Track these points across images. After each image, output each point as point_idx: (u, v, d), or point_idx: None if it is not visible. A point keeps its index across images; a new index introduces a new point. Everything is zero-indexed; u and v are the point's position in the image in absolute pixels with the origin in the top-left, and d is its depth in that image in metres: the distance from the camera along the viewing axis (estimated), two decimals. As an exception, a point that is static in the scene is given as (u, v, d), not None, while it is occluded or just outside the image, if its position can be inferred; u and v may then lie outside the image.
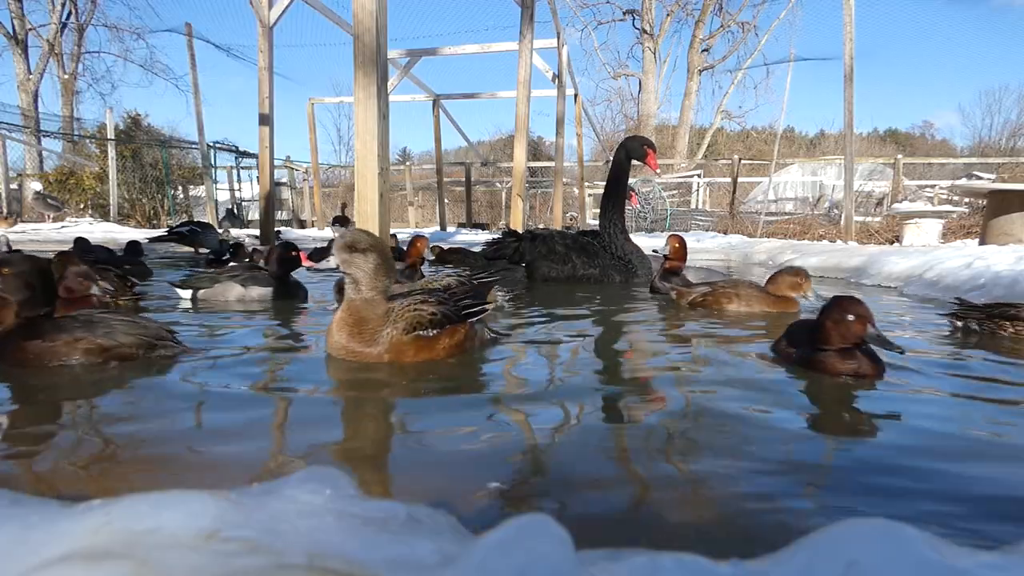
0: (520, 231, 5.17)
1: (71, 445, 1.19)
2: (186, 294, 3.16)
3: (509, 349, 2.16)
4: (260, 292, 3.18)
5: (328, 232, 13.49)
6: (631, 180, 17.27)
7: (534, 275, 4.74)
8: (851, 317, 1.72)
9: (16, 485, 0.99)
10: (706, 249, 9.07)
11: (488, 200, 24.39)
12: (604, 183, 5.34)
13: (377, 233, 4.73)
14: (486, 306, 2.10)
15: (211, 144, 15.52)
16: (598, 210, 19.88)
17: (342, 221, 12.39)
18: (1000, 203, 6.66)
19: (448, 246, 6.81)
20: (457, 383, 1.72)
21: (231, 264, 4.27)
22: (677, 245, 3.81)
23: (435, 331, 1.91)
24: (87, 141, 16.19)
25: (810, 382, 1.73)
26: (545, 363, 1.99)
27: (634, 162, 4.96)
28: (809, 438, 1.32)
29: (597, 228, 5.05)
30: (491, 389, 1.66)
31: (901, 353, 1.76)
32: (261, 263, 4.16)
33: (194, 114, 12.86)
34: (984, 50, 57.64)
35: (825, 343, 1.77)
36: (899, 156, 15.15)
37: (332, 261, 1.97)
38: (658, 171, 5.04)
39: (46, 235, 9.65)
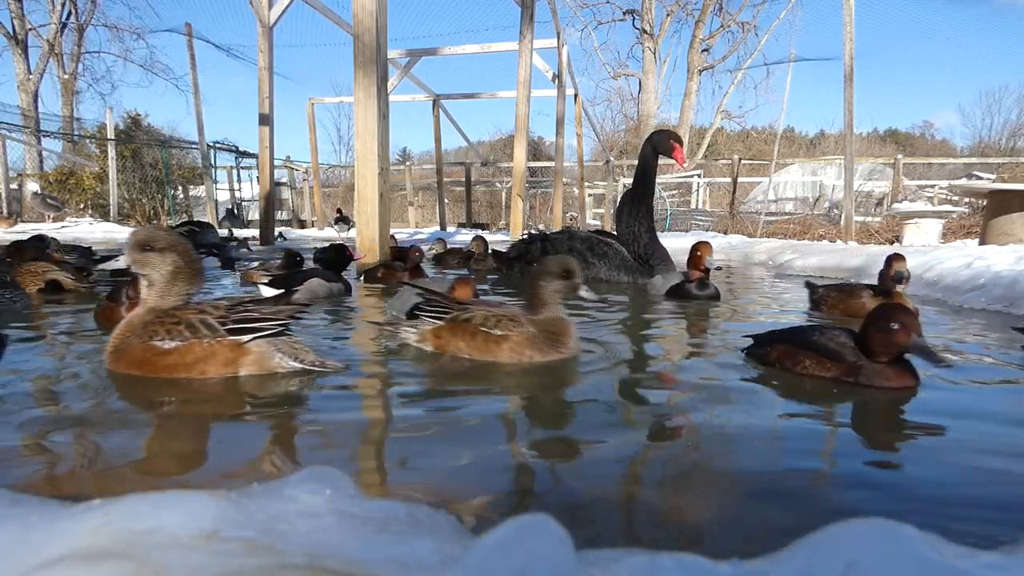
0: (544, 233, 5.29)
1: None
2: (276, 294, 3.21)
3: (314, 383, 1.63)
4: (338, 287, 3.52)
5: (329, 232, 13.50)
6: (630, 180, 17.30)
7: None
8: (895, 325, 1.60)
9: (16, 485, 0.99)
10: (706, 249, 9.05)
11: (488, 200, 24.42)
12: (603, 183, 5.33)
13: (377, 232, 4.75)
14: (266, 323, 1.66)
15: (211, 144, 15.53)
16: (599, 210, 19.98)
17: (344, 220, 12.39)
18: (1000, 203, 6.66)
19: (450, 246, 6.83)
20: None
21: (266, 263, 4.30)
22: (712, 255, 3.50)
23: (174, 343, 1.60)
24: (87, 141, 16.20)
25: (810, 385, 1.73)
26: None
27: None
28: (810, 439, 1.31)
29: (598, 227, 5.06)
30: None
31: (948, 367, 1.65)
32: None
33: (194, 114, 12.89)
34: (984, 50, 57.73)
35: (869, 354, 1.65)
36: (899, 156, 15.16)
37: (122, 261, 1.73)
38: (685, 165, 4.94)
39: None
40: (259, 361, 1.66)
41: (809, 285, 3.26)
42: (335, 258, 3.85)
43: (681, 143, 4.69)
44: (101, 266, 2.07)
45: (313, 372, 1.70)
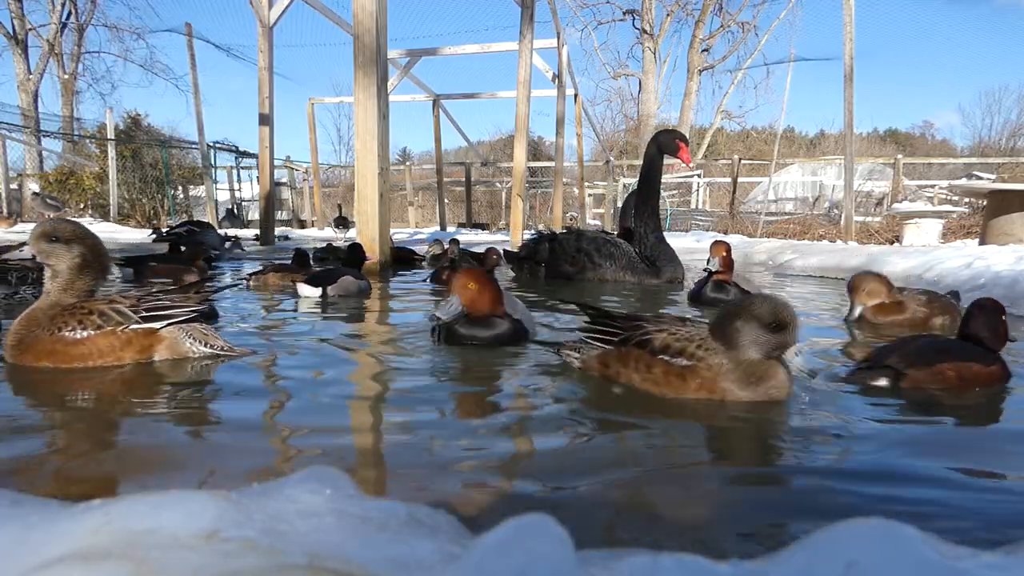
0: (555, 231, 5.33)
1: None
2: (315, 292, 3.35)
3: (230, 368, 1.75)
4: (365, 284, 3.68)
5: (328, 232, 13.50)
6: (632, 180, 17.26)
7: (549, 273, 4.88)
8: (1004, 317, 1.70)
9: (16, 485, 0.99)
10: (706, 249, 9.06)
11: (488, 200, 24.41)
12: (603, 183, 5.34)
13: (377, 232, 4.75)
14: (178, 309, 1.74)
15: (211, 144, 15.52)
16: (599, 210, 19.99)
17: (342, 222, 12.39)
18: (1000, 203, 6.66)
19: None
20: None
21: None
22: (725, 254, 3.24)
23: (88, 332, 1.65)
24: (87, 141, 16.20)
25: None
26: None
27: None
28: (811, 438, 1.31)
29: (598, 227, 5.07)
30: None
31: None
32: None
33: (194, 114, 12.85)
34: (984, 50, 57.74)
35: (998, 348, 1.71)
36: (899, 156, 15.15)
37: (26, 251, 1.73)
38: (691, 164, 4.89)
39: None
40: (172, 347, 1.75)
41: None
42: (356, 257, 4.20)
43: (687, 142, 4.66)
44: (7, 256, 2.03)
45: (225, 357, 1.81)
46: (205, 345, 1.78)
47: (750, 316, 1.47)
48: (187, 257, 4.64)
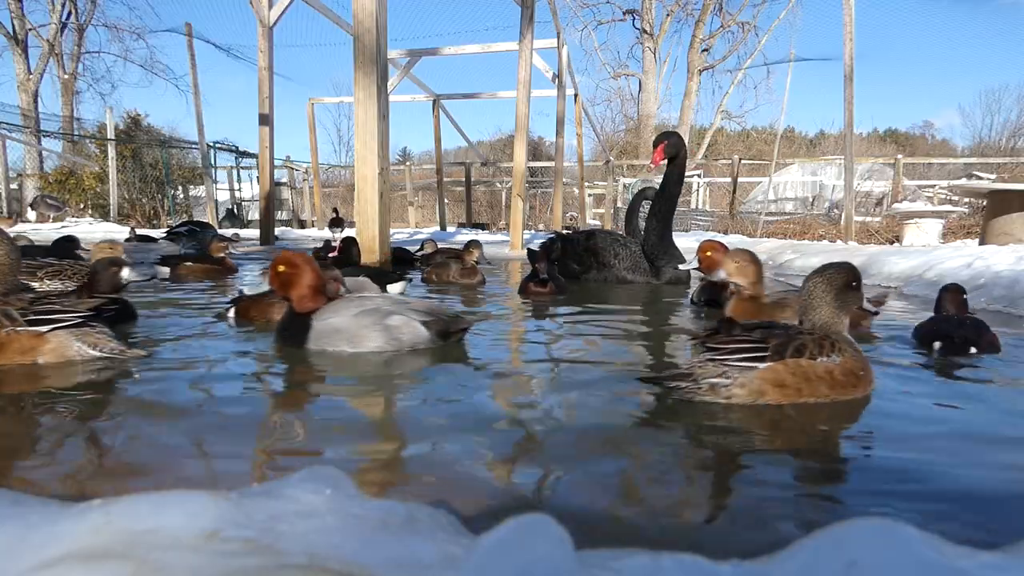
0: (567, 232, 5.39)
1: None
2: (397, 287, 3.56)
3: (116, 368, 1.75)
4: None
5: (327, 232, 13.51)
6: (631, 180, 17.21)
7: (560, 271, 4.97)
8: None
9: (16, 485, 0.99)
10: (706, 249, 9.04)
11: (488, 200, 24.40)
12: (603, 183, 5.34)
13: (377, 232, 4.75)
14: (66, 314, 1.77)
15: (211, 144, 15.52)
16: (599, 210, 19.98)
17: (338, 223, 12.42)
18: (1000, 203, 6.66)
19: (446, 246, 6.82)
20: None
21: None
22: (709, 254, 2.94)
23: None
24: (87, 141, 16.22)
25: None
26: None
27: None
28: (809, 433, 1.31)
29: (598, 227, 5.09)
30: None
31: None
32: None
33: (194, 114, 12.84)
34: (984, 50, 57.73)
35: None
36: (899, 156, 15.13)
37: None
38: (651, 167, 4.87)
39: (46, 235, 9.64)
40: (58, 350, 1.77)
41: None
42: (353, 256, 4.37)
43: (660, 143, 4.61)
44: None
45: (118, 359, 1.81)
46: (95, 349, 1.79)
47: (831, 276, 1.61)
48: (217, 257, 4.75)
